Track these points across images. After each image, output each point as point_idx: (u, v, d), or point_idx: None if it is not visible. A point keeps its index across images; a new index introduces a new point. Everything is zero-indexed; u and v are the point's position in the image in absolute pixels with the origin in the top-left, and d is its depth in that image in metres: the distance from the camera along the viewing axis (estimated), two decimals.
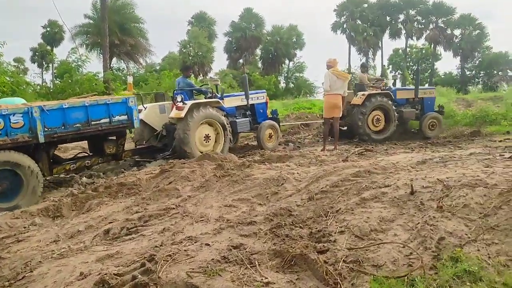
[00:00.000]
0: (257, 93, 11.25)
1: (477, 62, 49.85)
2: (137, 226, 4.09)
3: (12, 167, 6.44)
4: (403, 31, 50.82)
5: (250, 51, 49.35)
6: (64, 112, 7.14)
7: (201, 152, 8.59)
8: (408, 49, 52.40)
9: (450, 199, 3.36)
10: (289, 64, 51.86)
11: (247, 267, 2.80)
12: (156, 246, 3.30)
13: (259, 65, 50.35)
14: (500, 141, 10.19)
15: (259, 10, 55.85)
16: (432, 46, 50.63)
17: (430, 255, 2.66)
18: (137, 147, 9.57)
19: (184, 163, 6.86)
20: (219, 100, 9.58)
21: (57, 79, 22.02)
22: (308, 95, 33.73)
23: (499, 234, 2.78)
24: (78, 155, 8.55)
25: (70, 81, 18.48)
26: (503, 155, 5.74)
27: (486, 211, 3.08)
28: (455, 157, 5.98)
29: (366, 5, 50.47)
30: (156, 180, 6.17)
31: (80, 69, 19.72)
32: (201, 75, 43.06)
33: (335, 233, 3.20)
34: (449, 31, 49.41)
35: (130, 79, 10.41)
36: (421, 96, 12.39)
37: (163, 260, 2.90)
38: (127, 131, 8.53)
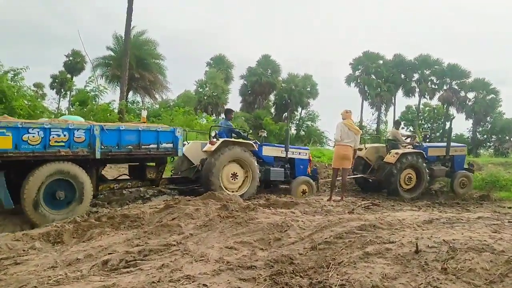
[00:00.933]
0: (300, 148, 11.63)
1: (489, 126, 50.03)
2: (136, 259, 4.05)
3: (70, 178, 7.14)
4: (417, 90, 51.48)
5: (264, 96, 50.22)
6: (120, 133, 7.85)
7: (226, 188, 9.16)
8: (421, 107, 52.90)
9: (455, 262, 3.29)
10: (301, 112, 52.54)
11: None
12: (154, 282, 3.26)
13: (272, 110, 51.05)
14: (510, 207, 10.07)
15: (276, 56, 57.65)
16: (445, 106, 51.07)
17: None
18: (173, 176, 10.14)
19: (189, 200, 6.87)
20: (253, 144, 9.99)
21: (73, 106, 22.49)
22: (318, 144, 33.89)
23: None
24: (119, 178, 9.31)
25: (84, 109, 18.87)
26: None
27: (492, 277, 3.01)
28: (462, 220, 5.89)
29: (381, 62, 51.49)
30: (160, 215, 6.16)
31: (97, 99, 20.20)
32: (214, 115, 43.75)
33: (336, 285, 3.13)
34: (462, 93, 49.96)
35: (144, 113, 10.64)
36: (451, 154, 12.47)
37: None
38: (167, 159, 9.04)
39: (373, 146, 13.44)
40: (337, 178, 10.12)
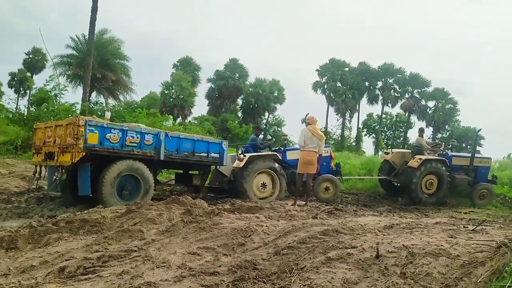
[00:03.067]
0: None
1: (448, 134, 52.00)
2: (95, 266, 3.93)
3: (138, 174, 8.36)
4: (380, 97, 52.88)
5: (231, 100, 50.20)
6: (179, 140, 9.12)
7: (258, 197, 10.30)
8: (384, 115, 54.36)
9: (413, 266, 3.37)
10: (268, 116, 52.85)
11: None
12: None
13: (239, 114, 51.08)
14: (465, 213, 10.45)
15: (245, 61, 57.72)
16: (407, 114, 52.69)
17: None
18: (212, 186, 11.29)
19: (152, 205, 6.73)
20: (276, 154, 11.12)
21: (33, 106, 21.71)
22: None
23: None
24: (169, 183, 10.98)
25: (46, 110, 18.28)
26: (467, 227, 5.87)
27: (447, 281, 3.10)
28: (421, 225, 6.07)
29: (347, 69, 52.61)
30: (121, 220, 6.01)
31: (58, 98, 19.59)
32: (180, 117, 43.32)
33: None
34: (423, 102, 51.73)
35: (108, 115, 10.58)
36: (475, 164, 12.80)
37: None
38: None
39: (399, 151, 13.90)
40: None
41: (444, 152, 12.87)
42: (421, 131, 14.31)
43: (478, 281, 2.97)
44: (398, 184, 12.93)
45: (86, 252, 4.38)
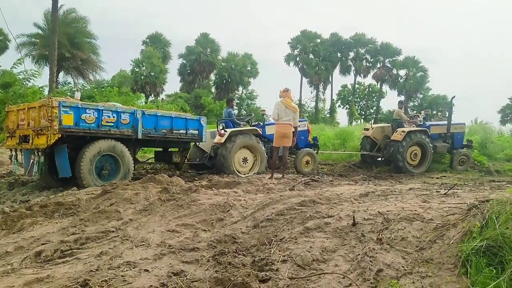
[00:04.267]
0: (299, 121, 11.75)
1: (418, 102, 52.99)
2: (73, 248, 3.88)
3: (116, 154, 8.28)
4: (353, 68, 53.15)
5: (204, 76, 49.53)
6: (157, 118, 9.03)
7: (239, 172, 10.30)
8: (356, 85, 54.77)
9: (389, 232, 3.46)
10: (242, 91, 52.50)
11: None
12: (92, 271, 3.14)
13: (213, 89, 50.55)
14: (438, 178, 10.76)
15: (216, 36, 56.74)
16: (379, 84, 53.26)
17: (369, 287, 2.71)
18: (193, 162, 11.25)
19: (127, 185, 6.65)
20: (256, 129, 11.10)
21: None
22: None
23: (433, 267, 2.88)
24: (148, 161, 11.07)
25: (13, 93, 17.60)
26: (439, 192, 6.05)
27: (421, 244, 3.20)
28: (395, 191, 6.23)
29: (318, 41, 52.40)
30: (97, 201, 5.92)
31: (26, 82, 18.90)
32: (152, 95, 42.56)
33: (278, 261, 3.19)
34: (394, 71, 52.28)
35: (77, 95, 10.22)
36: (452, 131, 13.08)
37: (98, 286, 2.76)
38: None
39: (379, 125, 14.03)
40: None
41: (422, 122, 13.10)
42: (401, 103, 14.46)
43: (451, 242, 3.07)
44: (382, 159, 13.16)
45: (62, 236, 4.31)
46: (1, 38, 44.35)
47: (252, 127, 11.21)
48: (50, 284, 2.98)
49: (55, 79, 23.57)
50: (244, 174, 10.32)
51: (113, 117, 8.28)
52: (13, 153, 8.84)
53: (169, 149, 10.30)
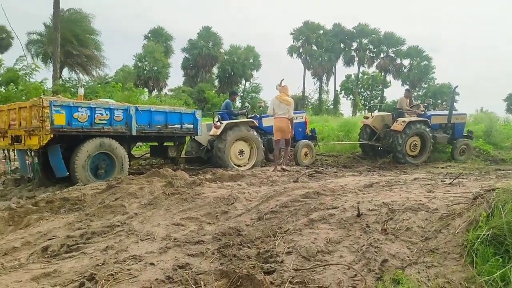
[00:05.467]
0: (297, 113, 12.05)
1: (423, 91, 52.69)
2: (79, 243, 3.90)
3: (111, 151, 8.21)
4: (356, 59, 52.89)
5: (207, 69, 49.47)
6: (151, 114, 8.94)
7: (236, 165, 10.26)
8: (360, 75, 54.51)
9: (394, 222, 3.45)
10: (245, 84, 52.42)
11: (192, 287, 2.72)
12: (98, 265, 3.16)
13: (216, 83, 50.50)
14: (442, 167, 10.72)
15: (218, 29, 56.57)
16: (382, 74, 53.00)
17: (374, 277, 2.71)
18: (189, 156, 11.17)
19: (132, 179, 6.67)
20: (253, 121, 11.05)
21: (1, 86, 20.95)
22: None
23: (438, 257, 2.88)
24: (144, 156, 10.81)
25: (15, 89, 17.65)
26: (444, 181, 6.03)
27: (427, 234, 3.19)
28: (400, 182, 6.21)
29: (321, 31, 52.15)
30: (102, 196, 5.94)
31: (28, 77, 18.92)
32: (155, 90, 42.59)
33: (283, 253, 3.19)
34: (398, 61, 51.99)
35: (81, 91, 10.27)
36: (453, 121, 12.96)
37: (104, 280, 2.78)
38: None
39: (379, 114, 13.85)
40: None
41: (423, 112, 12.96)
42: (408, 91, 14.22)
43: (456, 232, 3.06)
44: (381, 148, 13.08)
45: (68, 230, 4.34)
46: (4, 35, 44.41)
47: (248, 119, 11.14)
48: (57, 279, 3.00)
49: (59, 76, 23.60)
50: (241, 166, 10.29)
51: (106, 114, 8.18)
52: (6, 153, 8.76)
53: (165, 144, 10.28)
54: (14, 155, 8.82)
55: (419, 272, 2.72)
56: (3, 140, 8.59)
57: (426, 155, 12.35)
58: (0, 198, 7.39)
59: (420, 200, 3.93)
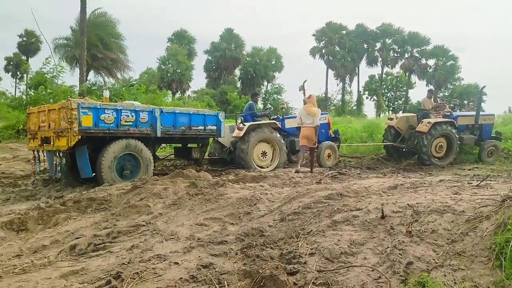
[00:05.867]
0: (320, 114, 11.89)
1: (449, 92, 51.58)
2: (105, 242, 3.98)
3: (136, 153, 8.35)
4: (380, 59, 52.21)
5: (229, 71, 49.72)
6: (175, 115, 9.05)
7: (258, 166, 10.34)
8: (383, 76, 53.79)
9: (419, 224, 3.41)
10: (267, 85, 52.44)
11: (216, 287, 2.75)
12: (124, 264, 3.22)
13: (238, 85, 50.69)
14: (469, 169, 10.48)
15: (240, 31, 56.80)
16: (407, 74, 52.16)
17: (398, 279, 2.68)
18: (212, 157, 11.32)
19: (157, 180, 6.77)
20: (276, 122, 11.06)
21: (31, 89, 21.59)
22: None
23: (465, 260, 2.82)
24: (168, 158, 10.89)
25: (44, 92, 18.13)
26: (471, 183, 5.90)
27: (453, 237, 3.13)
28: (425, 183, 6.11)
29: (344, 32, 51.74)
30: (127, 196, 6.06)
31: (55, 80, 19.41)
32: (178, 92, 43.04)
33: (306, 254, 3.19)
34: (423, 61, 51.05)
35: (106, 94, 10.48)
36: (480, 122, 12.70)
37: (130, 278, 2.83)
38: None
39: (404, 115, 13.63)
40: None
41: (449, 113, 12.66)
42: (430, 92, 14.06)
43: (484, 235, 3.00)
44: (405, 150, 12.86)
45: (95, 230, 4.44)
46: (33, 40, 45.78)
47: (271, 121, 11.14)
48: (85, 276, 3.07)
49: (85, 79, 24.14)
50: (264, 168, 10.33)
51: (132, 116, 8.32)
52: (36, 154, 8.98)
53: (188, 145, 10.35)
54: (44, 156, 9.04)
55: (445, 275, 2.68)
56: (33, 141, 8.83)
57: (452, 156, 12.07)
58: (30, 197, 7.61)
59: (446, 202, 3.87)
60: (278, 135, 10.82)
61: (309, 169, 9.50)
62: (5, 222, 5.21)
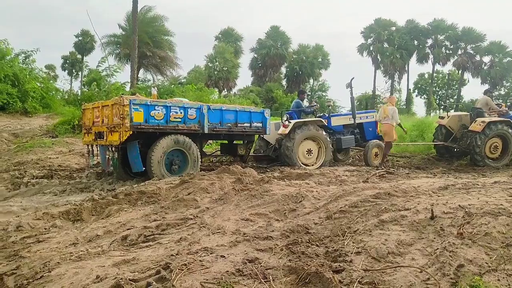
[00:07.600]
0: (367, 112, 12.48)
1: (506, 90, 48.89)
2: (155, 234, 4.14)
3: (184, 148, 8.59)
4: (431, 56, 50.28)
5: (275, 69, 49.66)
6: (222, 112, 9.20)
7: (304, 164, 10.32)
8: (434, 74, 51.81)
9: (471, 226, 3.29)
10: (313, 83, 51.96)
11: (261, 281, 2.79)
12: (172, 255, 3.33)
13: (283, 82, 50.56)
14: None
15: (286, 28, 56.65)
16: (460, 72, 49.94)
17: (448, 282, 2.60)
18: (257, 154, 11.45)
19: (204, 175, 6.92)
20: (322, 120, 11.03)
21: (85, 86, 22.62)
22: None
23: None
24: (214, 154, 11.30)
25: (97, 89, 18.95)
26: None
27: (508, 240, 3.00)
28: (478, 185, 5.85)
29: (393, 28, 50.26)
30: (176, 190, 6.24)
31: (109, 78, 20.23)
32: (225, 90, 43.55)
33: (352, 253, 3.16)
34: (477, 58, 48.64)
35: (154, 91, 10.79)
36: None
37: (178, 269, 2.92)
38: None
39: (456, 114, 13.17)
40: None
41: (505, 112, 12.00)
42: (489, 91, 13.54)
43: None
44: (457, 150, 12.38)
45: (145, 222, 4.61)
46: (88, 39, 47.84)
47: (317, 118, 11.07)
48: (136, 266, 3.21)
49: (136, 76, 24.98)
50: (309, 166, 10.32)
51: (181, 112, 8.54)
52: (90, 148, 9.41)
53: (234, 142, 10.49)
54: (97, 150, 9.47)
55: (499, 280, 2.57)
56: (88, 136, 9.25)
57: (508, 158, 11.47)
58: (84, 190, 8.00)
59: (501, 205, 3.70)
60: (324, 133, 10.73)
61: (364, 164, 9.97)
62: (62, 212, 5.53)
